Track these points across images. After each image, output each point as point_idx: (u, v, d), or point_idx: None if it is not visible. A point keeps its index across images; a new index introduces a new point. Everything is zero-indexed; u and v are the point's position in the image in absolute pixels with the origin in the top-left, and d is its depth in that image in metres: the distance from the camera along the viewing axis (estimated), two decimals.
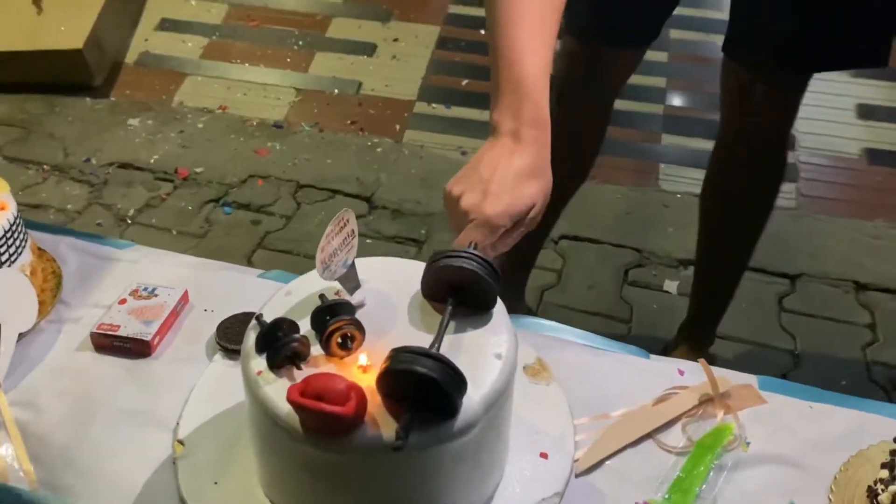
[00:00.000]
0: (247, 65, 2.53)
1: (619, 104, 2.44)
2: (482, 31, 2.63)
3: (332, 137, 2.28)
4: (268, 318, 0.63)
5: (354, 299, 0.66)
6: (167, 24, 2.67)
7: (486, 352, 0.63)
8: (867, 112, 2.32)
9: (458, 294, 0.66)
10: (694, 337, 1.61)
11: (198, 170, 2.14)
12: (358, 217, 1.98)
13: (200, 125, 2.32)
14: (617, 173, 2.20)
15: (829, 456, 0.72)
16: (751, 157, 1.35)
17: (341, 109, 2.38)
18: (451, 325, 0.65)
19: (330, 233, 0.65)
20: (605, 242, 1.97)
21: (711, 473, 0.70)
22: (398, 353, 0.57)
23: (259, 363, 0.60)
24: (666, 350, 1.65)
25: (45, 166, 2.13)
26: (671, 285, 1.87)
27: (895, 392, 1.64)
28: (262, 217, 2.01)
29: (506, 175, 0.75)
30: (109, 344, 0.78)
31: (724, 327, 1.74)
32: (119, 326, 0.79)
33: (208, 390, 0.75)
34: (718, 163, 1.42)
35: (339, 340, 0.61)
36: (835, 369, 1.68)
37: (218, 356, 0.78)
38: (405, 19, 2.68)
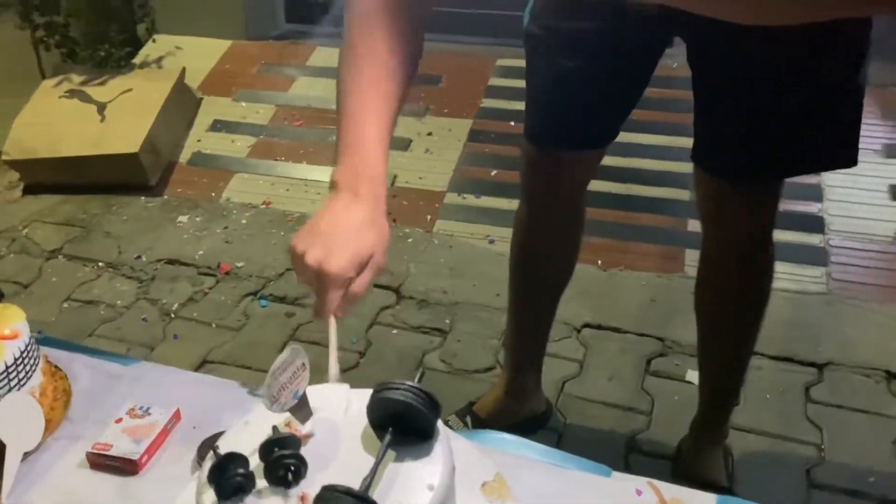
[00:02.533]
0: (290, 162, 2.69)
1: (644, 190, 2.50)
2: (512, 123, 2.73)
3: None
4: (224, 449, 0.69)
5: (305, 429, 0.72)
6: (219, 126, 2.87)
7: (419, 483, 0.68)
8: None
9: (398, 423, 0.71)
10: (707, 432, 1.60)
11: (239, 264, 2.27)
12: (385, 308, 2.09)
13: (244, 221, 2.46)
14: (642, 260, 2.22)
15: None
16: (735, 260, 1.37)
17: None
18: (391, 454, 0.69)
19: (276, 369, 0.71)
20: (628, 331, 1.98)
21: None
22: (325, 491, 0.62)
23: (209, 496, 0.66)
24: (679, 448, 1.64)
25: (99, 264, 2.30)
26: (693, 375, 1.86)
27: None
28: (295, 309, 2.11)
29: (346, 229, 0.82)
30: (103, 462, 0.86)
31: (746, 419, 1.72)
32: (111, 446, 0.86)
33: None
34: (704, 264, 1.44)
35: (282, 473, 0.67)
36: (862, 464, 1.63)
37: (198, 474, 0.85)
38: (439, 114, 2.81)
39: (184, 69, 2.91)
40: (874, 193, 2.30)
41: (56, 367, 0.99)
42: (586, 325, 2.01)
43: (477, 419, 1.70)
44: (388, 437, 0.70)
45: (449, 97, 2.88)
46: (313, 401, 0.75)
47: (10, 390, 0.87)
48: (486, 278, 2.16)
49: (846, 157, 1.19)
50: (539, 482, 0.84)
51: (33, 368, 0.92)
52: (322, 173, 2.62)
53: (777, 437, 1.69)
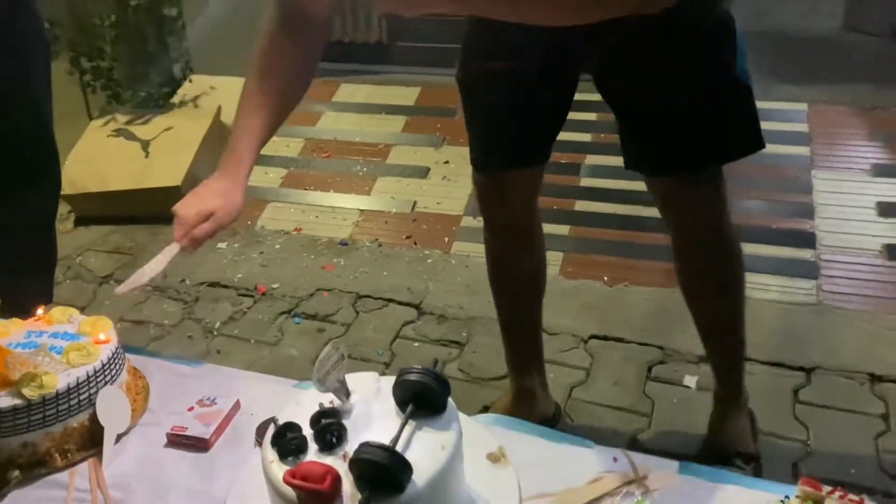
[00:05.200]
0: (319, 191, 2.91)
1: (646, 211, 2.66)
2: None
3: (389, 251, 2.59)
4: (281, 421, 0.89)
5: (344, 406, 0.92)
6: None
7: (434, 445, 0.87)
8: (887, 209, 2.44)
9: (417, 400, 0.90)
10: (727, 399, 1.74)
11: (274, 286, 2.48)
12: (407, 323, 2.29)
13: (278, 246, 2.68)
14: (646, 275, 2.40)
15: None
16: (697, 247, 1.53)
17: (398, 226, 2.70)
18: (412, 424, 0.89)
19: (322, 359, 0.91)
20: (632, 341, 2.16)
21: None
22: (362, 447, 0.81)
23: (272, 454, 0.86)
24: (710, 427, 1.77)
25: (147, 288, 2.51)
26: (691, 380, 2.02)
27: None
28: (326, 325, 2.31)
29: (202, 193, 1.19)
30: (179, 441, 1.06)
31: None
32: (186, 428, 1.06)
33: (249, 476, 1.01)
34: (676, 257, 1.60)
35: (328, 437, 0.86)
36: (845, 458, 1.78)
37: (257, 449, 1.04)
38: (455, 144, 3.02)
39: (219, 108, 3.15)
40: (862, 210, 2.46)
41: (135, 368, 1.19)
42: (593, 337, 2.18)
43: None
44: (409, 410, 0.89)
45: (463, 127, 3.08)
46: (351, 384, 0.94)
47: (105, 384, 1.07)
48: None
49: (754, 142, 1.38)
50: (533, 453, 1.02)
51: (121, 367, 1.12)
52: (348, 200, 2.84)
53: (767, 435, 1.84)
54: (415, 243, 2.61)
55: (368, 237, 2.67)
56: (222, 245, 2.69)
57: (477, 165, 1.60)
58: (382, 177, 2.92)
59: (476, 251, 2.55)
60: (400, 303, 2.37)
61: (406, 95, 3.31)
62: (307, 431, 0.88)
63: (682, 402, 1.97)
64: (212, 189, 1.19)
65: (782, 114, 2.98)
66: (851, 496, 0.83)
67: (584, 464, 1.00)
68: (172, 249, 1.19)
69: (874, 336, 2.08)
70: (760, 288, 2.23)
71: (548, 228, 2.64)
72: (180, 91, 3.46)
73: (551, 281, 2.43)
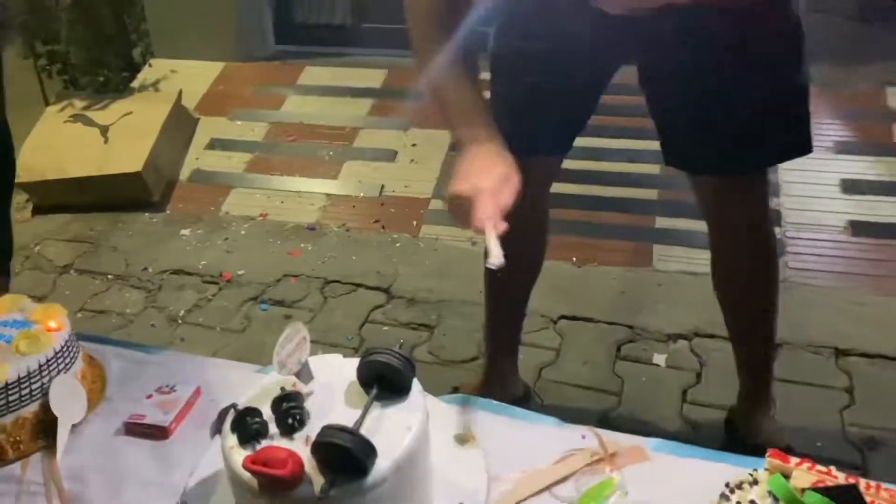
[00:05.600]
0: (284, 176, 2.86)
1: (614, 191, 2.66)
2: None
3: (357, 236, 2.56)
4: (241, 406, 0.86)
5: (306, 389, 0.89)
6: (216, 144, 3.04)
7: (400, 426, 0.85)
8: (851, 186, 2.47)
9: (382, 381, 0.88)
10: (753, 404, 1.73)
11: (239, 272, 2.43)
12: (376, 307, 2.26)
13: (243, 232, 2.63)
14: (614, 256, 2.40)
15: (695, 500, 0.89)
16: (738, 249, 1.52)
17: (366, 210, 2.67)
18: (377, 406, 0.86)
19: (283, 341, 0.88)
20: (600, 321, 2.15)
21: None
22: (324, 430, 0.79)
23: (232, 440, 0.83)
24: (730, 416, 1.78)
25: (108, 276, 2.46)
26: (660, 358, 2.03)
27: (868, 451, 1.74)
28: (293, 311, 2.28)
29: (481, 163, 1.09)
30: (137, 430, 1.03)
31: (707, 395, 1.90)
32: (145, 416, 1.03)
33: (209, 464, 0.98)
34: (715, 252, 1.59)
35: (290, 421, 0.84)
36: (811, 431, 1.80)
37: (217, 437, 1.01)
38: (422, 126, 2.99)
39: (180, 91, 3.08)
40: (826, 187, 2.48)
41: (91, 356, 1.16)
42: (562, 317, 2.18)
43: None
44: (373, 392, 0.87)
45: (431, 110, 3.05)
46: (314, 367, 0.92)
47: (58, 373, 1.04)
48: (468, 277, 2.33)
49: (803, 145, 1.35)
50: (501, 433, 1.01)
51: (75, 355, 1.08)
52: (315, 185, 2.79)
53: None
54: (383, 227, 2.59)
55: (336, 222, 2.63)
56: (185, 232, 2.64)
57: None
58: (349, 160, 2.88)
59: (445, 234, 2.53)
60: (369, 287, 2.34)
61: (373, 78, 3.26)
62: (268, 416, 0.85)
63: (651, 380, 1.97)
64: (483, 158, 1.10)
65: None
66: (819, 467, 0.82)
67: (553, 442, 0.99)
68: (489, 229, 1.02)
69: (839, 311, 2.10)
70: None
71: None
72: (140, 75, 3.37)
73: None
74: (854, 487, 0.76)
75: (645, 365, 2.02)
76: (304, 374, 0.90)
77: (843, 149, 2.61)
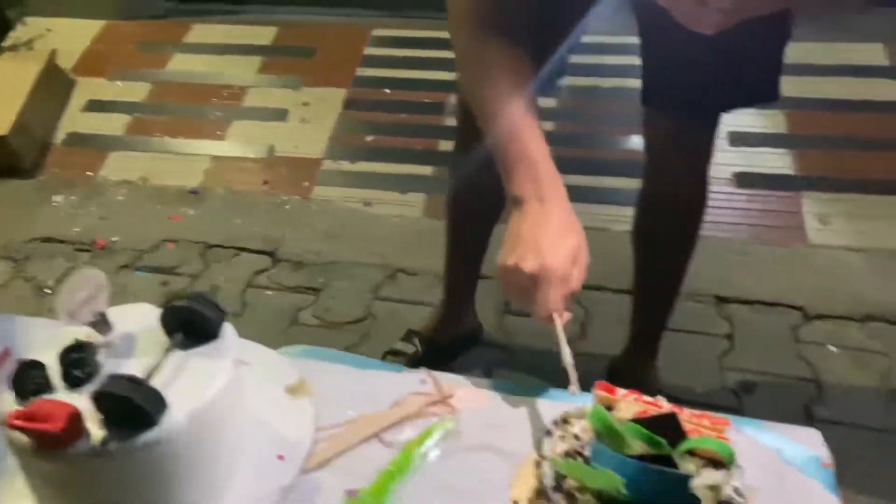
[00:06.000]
0: (167, 138, 2.71)
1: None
2: (387, 91, 2.83)
3: (244, 199, 2.45)
4: (27, 358, 0.77)
5: (104, 340, 0.81)
6: (94, 105, 2.85)
7: (204, 375, 0.78)
8: (738, 139, 2.49)
9: (188, 329, 0.81)
10: (639, 356, 1.76)
11: (114, 238, 2.30)
12: (261, 271, 2.17)
13: (121, 197, 2.48)
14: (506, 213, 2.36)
15: (527, 439, 0.86)
16: (676, 193, 1.50)
17: (254, 172, 2.55)
18: (182, 353, 0.79)
19: (73, 287, 0.79)
20: (490, 277, 2.12)
21: (420, 461, 0.84)
22: (107, 380, 0.71)
23: (8, 396, 0.75)
24: (612, 365, 1.79)
25: None
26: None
27: (745, 395, 1.77)
28: (170, 278, 2.16)
29: (550, 232, 0.87)
30: None
31: (595, 345, 1.89)
32: None
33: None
34: (646, 199, 1.57)
35: (76, 374, 0.76)
36: (692, 377, 1.81)
37: None
38: (315, 84, 2.88)
39: (53, 51, 2.88)
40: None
41: None
42: None
43: (421, 339, 1.84)
44: (175, 338, 0.80)
45: (324, 68, 2.95)
46: (117, 317, 0.83)
47: None
48: (360, 239, 2.26)
49: (773, 91, 1.32)
50: (338, 381, 0.95)
51: None
52: (199, 147, 2.66)
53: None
54: (272, 189, 2.48)
55: (221, 184, 2.51)
56: (58, 198, 2.48)
57: None
58: (237, 121, 2.75)
59: (338, 196, 2.45)
60: (253, 251, 2.24)
61: (263, 35, 3.12)
62: (56, 369, 0.77)
63: (536, 334, 1.94)
64: (552, 226, 0.88)
65: (634, 48, 2.99)
66: (646, 398, 0.80)
67: (390, 388, 0.94)
68: (559, 323, 0.89)
69: (723, 261, 2.12)
70: (618, 220, 2.24)
71: (411, 169, 2.61)
72: (12, 34, 3.14)
73: (415, 222, 2.39)
74: (673, 416, 0.73)
75: (531, 318, 1.99)
76: (100, 324, 0.81)
77: None
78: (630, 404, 0.78)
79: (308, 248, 2.24)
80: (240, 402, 0.82)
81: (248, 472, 0.83)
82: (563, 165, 2.45)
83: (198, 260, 2.22)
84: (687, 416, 0.75)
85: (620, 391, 0.81)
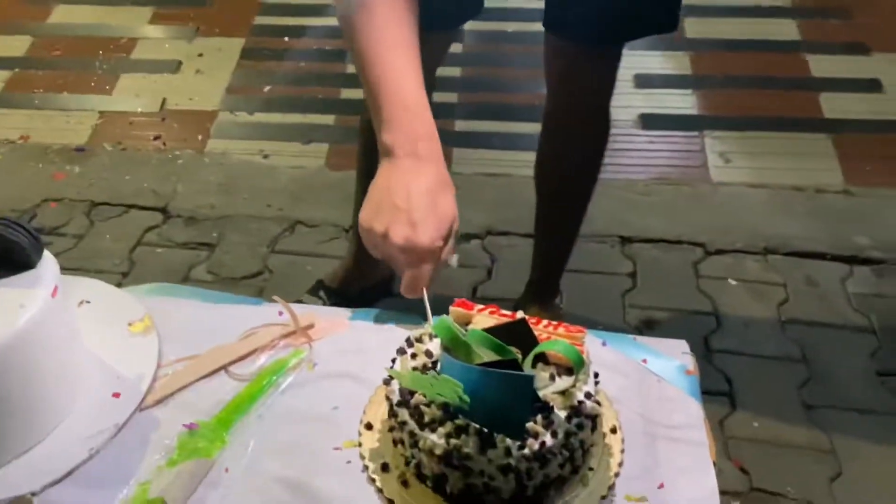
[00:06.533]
0: (50, 93, 2.54)
1: None
2: (286, 39, 2.71)
3: (133, 155, 2.31)
4: None
5: None
6: None
7: (12, 305, 0.70)
8: (643, 81, 2.48)
9: (4, 258, 0.72)
10: (541, 294, 1.73)
11: None
12: (152, 227, 2.05)
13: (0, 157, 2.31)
14: None
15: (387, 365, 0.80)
16: (578, 127, 1.47)
17: (145, 127, 2.41)
18: None
19: None
20: None
21: (270, 391, 0.78)
22: None
23: None
24: (516, 307, 1.74)
25: None
26: (452, 258, 1.96)
27: (646, 330, 1.77)
28: (54, 239, 2.03)
29: (422, 197, 0.77)
30: None
31: (497, 289, 1.86)
32: None
33: None
34: (548, 135, 1.53)
35: None
36: (595, 315, 1.80)
37: None
38: (210, 34, 2.73)
39: None
40: (620, 83, 2.47)
41: None
42: (353, 227, 2.06)
43: (329, 291, 1.75)
44: None
45: (220, 17, 2.80)
46: None
47: None
48: (257, 191, 2.17)
49: (673, 21, 1.31)
50: (189, 317, 0.88)
51: None
52: (85, 102, 2.50)
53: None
54: (164, 144, 2.35)
55: (110, 141, 2.36)
56: None
57: None
58: (126, 73, 2.60)
59: (234, 148, 2.33)
60: (143, 208, 2.12)
61: None
62: None
63: (443, 280, 1.90)
64: (425, 188, 0.78)
65: None
66: (504, 311, 0.75)
67: (244, 322, 0.87)
68: (427, 299, 0.80)
69: (626, 202, 2.12)
70: (525, 164, 2.19)
71: (313, 119, 2.51)
72: None
73: (316, 173, 2.30)
74: (523, 322, 0.69)
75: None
76: None
77: (635, 45, 2.62)
78: (486, 318, 0.73)
79: (201, 202, 2.13)
80: (70, 339, 0.74)
81: (82, 410, 0.76)
82: (470, 111, 2.43)
83: (83, 219, 2.08)
84: (542, 326, 0.71)
85: (478, 306, 0.76)
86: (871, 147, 2.22)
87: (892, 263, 1.89)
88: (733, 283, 1.87)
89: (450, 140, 2.36)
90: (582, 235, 1.99)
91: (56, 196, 2.15)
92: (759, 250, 1.94)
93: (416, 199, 0.77)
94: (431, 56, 1.49)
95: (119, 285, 1.86)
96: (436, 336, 0.73)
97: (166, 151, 2.31)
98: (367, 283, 1.79)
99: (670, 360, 0.82)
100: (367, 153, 1.64)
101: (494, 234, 2.04)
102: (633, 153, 2.29)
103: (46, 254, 0.76)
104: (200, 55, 2.65)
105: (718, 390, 1.60)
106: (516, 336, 0.68)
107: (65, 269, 1.96)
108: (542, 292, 1.74)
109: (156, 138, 2.37)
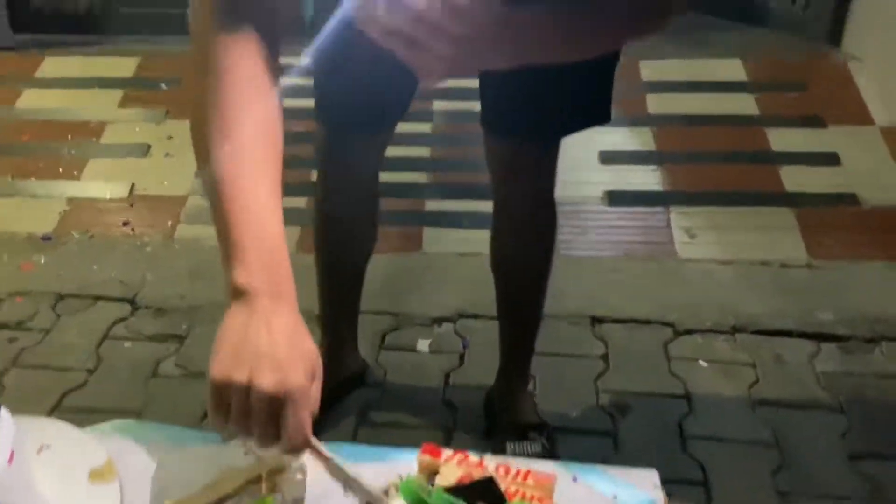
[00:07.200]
0: (17, 180, 2.52)
1: (387, 177, 2.58)
2: None
3: (102, 243, 2.29)
4: None
5: None
6: None
7: None
8: (608, 157, 2.53)
9: None
10: (512, 383, 1.73)
11: None
12: (120, 320, 2.02)
13: None
14: (383, 243, 2.26)
15: None
16: (524, 220, 1.51)
17: (113, 213, 2.40)
18: None
19: None
20: (365, 311, 2.05)
21: None
22: None
23: None
24: (488, 397, 1.76)
25: None
26: (424, 344, 1.97)
27: (620, 417, 1.77)
28: (19, 334, 1.99)
29: (285, 337, 0.71)
30: None
31: (468, 376, 1.86)
32: None
33: None
34: (497, 227, 1.57)
35: None
36: (568, 401, 1.80)
37: None
38: (180, 116, 2.75)
39: None
40: (586, 159, 2.53)
41: None
42: None
43: None
44: None
45: (188, 98, 2.82)
46: None
47: None
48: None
49: (605, 114, 1.34)
50: (154, 461, 0.86)
51: None
52: (53, 188, 2.48)
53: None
54: (132, 230, 2.34)
55: (78, 228, 2.34)
56: None
57: (333, 127, 1.48)
58: (95, 158, 2.59)
59: (205, 234, 2.32)
60: (110, 299, 2.10)
61: (124, 66, 2.96)
62: None
63: (415, 368, 1.91)
64: (287, 331, 0.71)
65: None
66: (472, 458, 0.75)
67: (210, 464, 0.85)
68: (323, 447, 0.74)
69: (596, 280, 2.14)
70: None
71: (284, 201, 2.50)
72: None
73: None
74: (490, 480, 0.68)
75: (409, 352, 1.95)
76: None
77: None
78: (453, 469, 0.73)
79: (170, 292, 2.11)
80: (26, 493, 0.72)
81: None
82: (440, 190, 2.46)
83: (49, 312, 2.05)
84: (511, 476, 0.71)
85: (446, 452, 0.76)
86: (831, 220, 2.27)
87: (858, 339, 1.92)
88: (704, 364, 1.88)
89: (420, 220, 2.38)
90: (554, 316, 2.02)
91: (22, 289, 2.12)
92: (727, 329, 1.97)
93: (279, 339, 0.70)
94: (373, 153, 1.52)
95: (85, 384, 1.84)
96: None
97: (135, 238, 2.30)
98: (341, 376, 1.78)
99: (640, 493, 0.81)
100: (323, 239, 1.65)
101: (466, 317, 2.04)
102: (601, 230, 2.33)
103: (4, 413, 0.75)
104: (170, 138, 2.66)
105: (693, 479, 1.60)
106: (483, 494, 0.67)
107: (30, 367, 1.93)
108: (513, 381, 1.74)
109: (125, 224, 2.36)
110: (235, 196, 0.76)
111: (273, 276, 0.73)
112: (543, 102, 1.29)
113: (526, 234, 1.54)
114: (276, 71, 0.83)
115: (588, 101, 1.34)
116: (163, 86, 2.87)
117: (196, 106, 0.82)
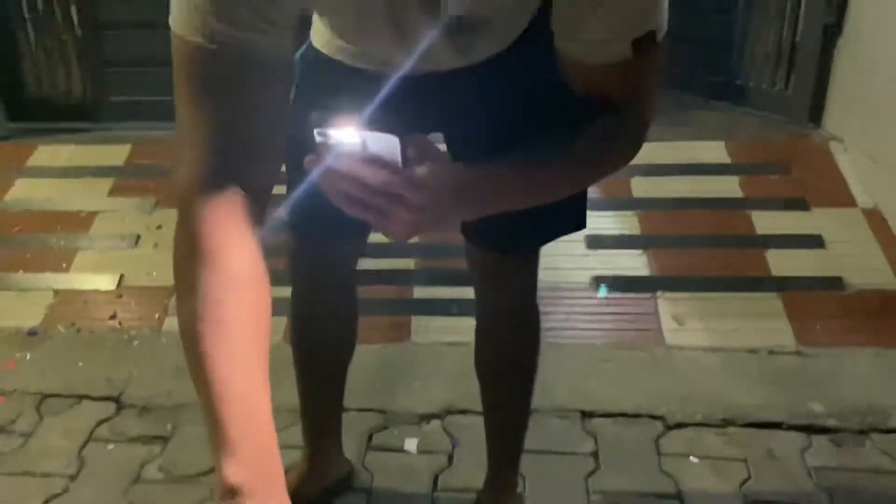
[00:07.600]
0: (5, 273, 2.52)
1: (372, 263, 2.59)
2: None
3: (88, 336, 2.28)
4: None
5: None
6: None
7: None
8: (595, 242, 2.54)
9: None
10: (501, 490, 1.71)
11: None
12: (102, 421, 2.00)
13: None
14: (371, 333, 2.28)
15: None
16: (507, 325, 1.50)
17: (101, 305, 2.40)
18: None
19: None
20: (352, 409, 2.03)
21: None
22: None
23: None
24: (478, 500, 1.73)
25: None
26: (411, 443, 1.94)
27: None
28: (0, 439, 1.96)
29: None
30: None
31: (457, 478, 1.83)
32: None
33: None
34: (480, 331, 1.56)
35: None
36: (558, 502, 1.77)
37: None
38: (170, 205, 2.76)
39: None
40: (573, 245, 2.54)
41: None
42: None
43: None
44: None
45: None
46: None
47: None
48: None
49: (581, 220, 1.35)
50: None
51: None
52: (40, 280, 2.48)
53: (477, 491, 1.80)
54: (119, 324, 2.33)
55: (64, 321, 2.34)
56: None
57: (305, 242, 1.46)
58: (84, 249, 2.60)
59: None
60: (95, 398, 2.07)
61: (114, 155, 2.99)
62: None
63: (401, 469, 1.88)
64: None
65: None
66: None
67: None
68: None
69: (586, 370, 2.12)
70: None
71: (272, 292, 2.51)
72: None
73: (273, 349, 2.27)
74: None
75: (396, 453, 1.92)
76: None
77: (588, 205, 2.71)
78: None
79: (156, 389, 2.09)
80: None
81: None
82: (428, 277, 2.45)
83: (32, 413, 2.03)
84: None
85: None
86: (818, 305, 2.28)
87: (849, 432, 1.91)
88: (695, 460, 1.86)
89: (408, 308, 2.38)
90: (542, 410, 2.00)
91: (6, 388, 2.10)
92: (717, 422, 1.95)
93: None
94: (348, 262, 1.53)
95: (66, 490, 1.81)
96: None
97: (122, 332, 2.29)
98: (326, 483, 1.74)
99: None
100: (299, 341, 1.64)
101: (455, 413, 2.02)
102: (589, 316, 2.32)
103: None
104: (159, 227, 2.68)
105: None
106: None
107: (9, 474, 1.89)
108: (502, 483, 1.71)
109: (112, 318, 2.35)
110: (232, 391, 0.76)
111: (265, 481, 0.72)
112: (520, 219, 1.30)
113: (509, 341, 1.53)
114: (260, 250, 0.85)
115: (562, 211, 1.34)
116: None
117: (182, 296, 0.82)
